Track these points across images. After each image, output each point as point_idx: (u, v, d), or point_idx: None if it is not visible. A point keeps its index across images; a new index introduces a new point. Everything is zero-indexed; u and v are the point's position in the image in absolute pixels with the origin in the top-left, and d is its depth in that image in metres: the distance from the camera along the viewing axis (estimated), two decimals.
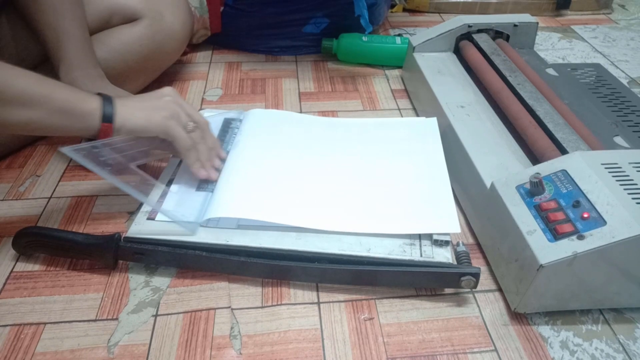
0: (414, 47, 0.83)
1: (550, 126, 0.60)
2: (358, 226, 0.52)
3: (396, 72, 0.93)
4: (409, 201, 0.55)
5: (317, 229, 0.52)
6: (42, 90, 0.48)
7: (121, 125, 0.51)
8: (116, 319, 0.48)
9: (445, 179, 0.58)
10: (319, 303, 0.50)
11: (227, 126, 0.68)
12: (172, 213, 0.53)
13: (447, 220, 0.53)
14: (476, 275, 0.48)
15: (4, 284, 0.51)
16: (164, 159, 0.64)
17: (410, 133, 0.66)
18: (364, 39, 0.93)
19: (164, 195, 0.56)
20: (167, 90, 0.55)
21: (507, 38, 0.85)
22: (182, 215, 0.53)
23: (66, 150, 0.50)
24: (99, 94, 0.52)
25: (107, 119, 0.50)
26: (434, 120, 0.68)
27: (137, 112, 0.52)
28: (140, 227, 0.52)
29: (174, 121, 0.53)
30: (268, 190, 0.56)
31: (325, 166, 0.61)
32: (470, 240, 0.58)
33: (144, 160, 0.56)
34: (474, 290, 0.52)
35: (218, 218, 0.53)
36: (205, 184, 0.58)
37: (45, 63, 0.66)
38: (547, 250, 0.45)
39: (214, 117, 0.67)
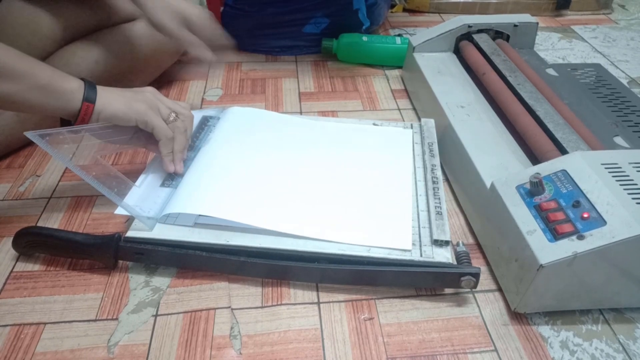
0: (414, 47, 0.83)
1: (550, 126, 0.60)
2: (312, 231, 0.52)
3: (396, 72, 0.93)
4: (367, 212, 0.55)
5: (271, 230, 0.51)
6: (24, 65, 0.48)
7: (102, 108, 0.51)
8: (116, 319, 0.48)
9: (407, 193, 0.57)
10: (319, 303, 0.50)
11: (204, 123, 0.68)
12: (131, 208, 0.53)
13: (400, 236, 0.52)
14: (476, 275, 0.48)
15: (4, 284, 0.51)
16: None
17: (384, 142, 0.66)
18: (364, 39, 0.93)
19: (128, 188, 0.55)
20: (148, 87, 0.56)
21: (507, 38, 0.85)
22: (141, 210, 0.53)
23: (29, 134, 0.49)
24: (81, 78, 0.52)
25: (90, 99, 0.50)
26: (408, 132, 0.67)
27: (119, 98, 0.52)
28: (141, 227, 0.52)
29: (154, 111, 0.53)
30: (229, 188, 0.56)
31: (291, 168, 0.60)
32: (470, 240, 0.58)
33: (111, 152, 0.56)
34: (474, 290, 0.52)
35: (177, 214, 0.53)
36: (170, 180, 0.58)
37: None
38: (547, 250, 0.45)
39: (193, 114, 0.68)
